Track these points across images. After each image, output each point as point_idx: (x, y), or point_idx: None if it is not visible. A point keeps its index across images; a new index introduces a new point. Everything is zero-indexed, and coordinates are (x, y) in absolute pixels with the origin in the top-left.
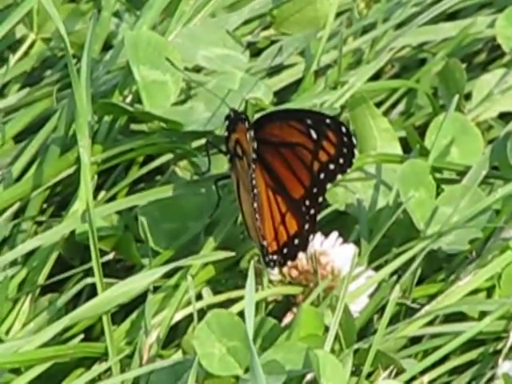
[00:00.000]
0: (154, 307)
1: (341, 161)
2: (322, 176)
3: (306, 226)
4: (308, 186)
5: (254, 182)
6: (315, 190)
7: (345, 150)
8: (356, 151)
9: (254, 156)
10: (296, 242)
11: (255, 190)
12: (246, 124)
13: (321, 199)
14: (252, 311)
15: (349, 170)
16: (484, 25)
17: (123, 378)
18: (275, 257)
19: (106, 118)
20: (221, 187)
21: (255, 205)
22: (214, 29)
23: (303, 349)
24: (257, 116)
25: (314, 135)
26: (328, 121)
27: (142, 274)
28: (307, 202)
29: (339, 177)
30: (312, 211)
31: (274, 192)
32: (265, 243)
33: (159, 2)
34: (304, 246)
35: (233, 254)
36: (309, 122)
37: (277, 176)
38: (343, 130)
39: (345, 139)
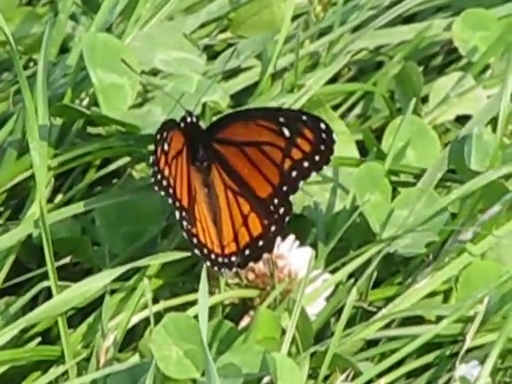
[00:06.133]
0: (111, 310)
1: (316, 158)
2: (293, 174)
3: (273, 227)
4: (277, 184)
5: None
6: (285, 188)
7: (322, 147)
8: (335, 148)
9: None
10: (261, 243)
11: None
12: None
13: (291, 198)
14: (205, 314)
15: (325, 168)
16: (440, 28)
17: (80, 382)
18: (233, 258)
19: (63, 121)
20: None
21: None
22: (171, 32)
23: (260, 352)
24: (219, 116)
25: (287, 133)
26: (304, 117)
27: (99, 274)
28: (276, 201)
29: (314, 174)
30: (281, 210)
31: (235, 193)
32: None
33: (107, 3)
34: (270, 248)
35: (189, 253)
36: (281, 119)
37: (240, 176)
38: (322, 126)
39: (323, 136)
